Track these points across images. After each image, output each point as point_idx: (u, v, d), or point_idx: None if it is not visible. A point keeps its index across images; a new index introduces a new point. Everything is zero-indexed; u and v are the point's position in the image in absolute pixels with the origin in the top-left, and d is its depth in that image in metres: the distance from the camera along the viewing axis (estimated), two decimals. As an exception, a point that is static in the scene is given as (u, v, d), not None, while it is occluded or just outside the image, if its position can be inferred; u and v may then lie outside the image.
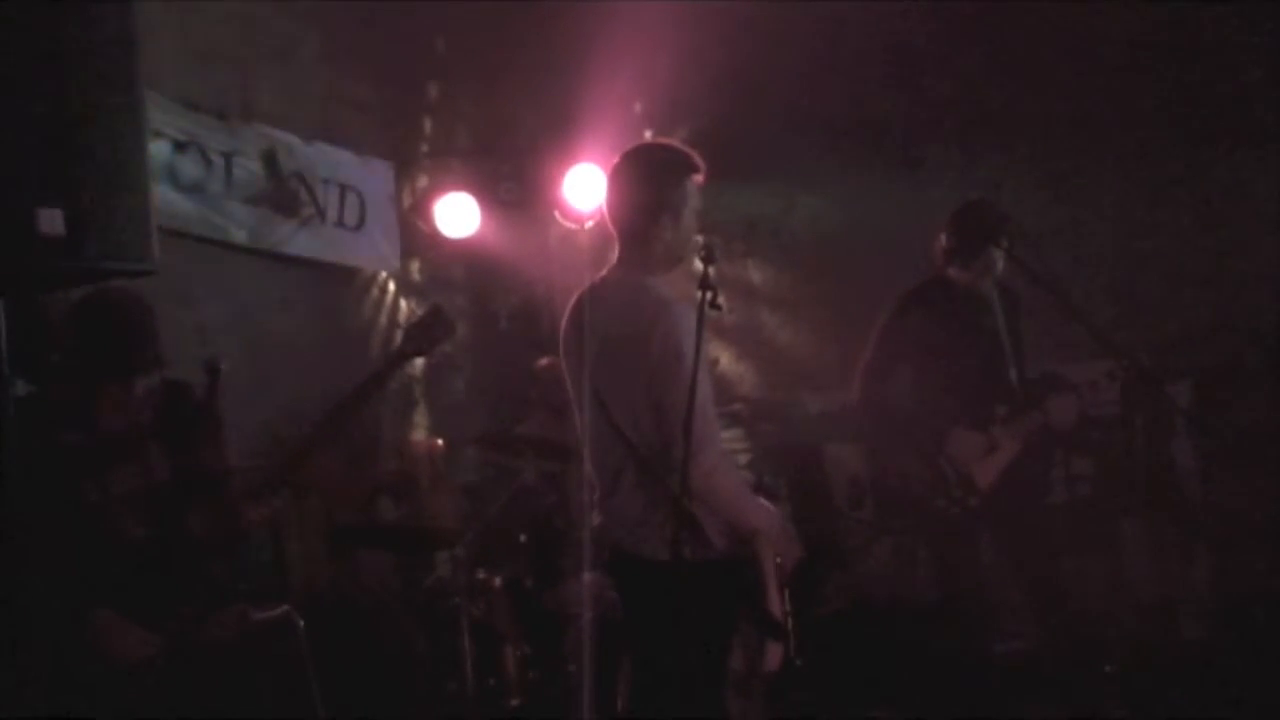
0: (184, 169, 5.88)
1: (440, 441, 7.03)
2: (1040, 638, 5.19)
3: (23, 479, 3.42)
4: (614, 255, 3.82)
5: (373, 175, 7.08)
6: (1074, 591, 5.33)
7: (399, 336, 4.26)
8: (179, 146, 5.85)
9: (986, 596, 5.18)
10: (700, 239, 4.13)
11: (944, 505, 5.03)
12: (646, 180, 3.78)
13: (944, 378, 5.08)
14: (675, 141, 4.05)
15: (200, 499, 3.83)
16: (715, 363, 6.94)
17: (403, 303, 7.34)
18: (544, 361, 6.96)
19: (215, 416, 3.97)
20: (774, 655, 3.82)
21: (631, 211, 3.77)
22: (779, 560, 3.79)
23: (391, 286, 7.30)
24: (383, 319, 7.21)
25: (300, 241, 6.58)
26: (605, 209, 3.83)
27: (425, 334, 3.99)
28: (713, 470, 3.57)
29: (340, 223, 6.84)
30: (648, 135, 7.61)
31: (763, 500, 3.89)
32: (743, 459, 6.46)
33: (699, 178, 3.87)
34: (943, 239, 5.25)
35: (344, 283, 7.03)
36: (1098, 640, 5.37)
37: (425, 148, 7.63)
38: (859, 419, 5.35)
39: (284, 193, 6.47)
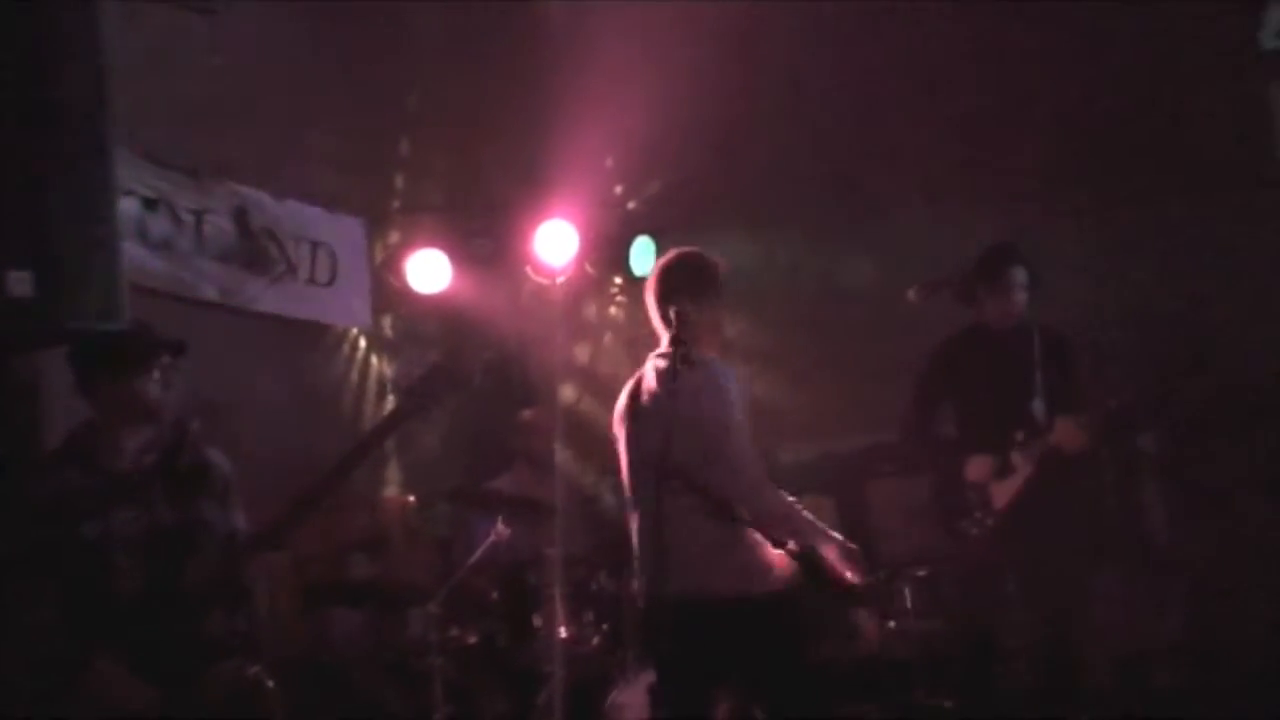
0: (154, 227, 5.87)
1: (412, 498, 7.01)
2: (1037, 673, 5.32)
3: (21, 517, 3.43)
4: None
5: (344, 231, 7.09)
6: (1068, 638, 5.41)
7: (400, 392, 4.27)
8: (149, 204, 5.84)
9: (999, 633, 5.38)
10: (672, 294, 4.21)
11: (965, 525, 5.35)
12: None
13: (968, 410, 5.51)
14: None
15: (201, 551, 3.83)
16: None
17: (374, 359, 7.33)
18: (527, 414, 6.95)
19: (221, 472, 4.01)
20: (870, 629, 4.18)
21: None
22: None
23: (363, 343, 7.30)
24: (354, 375, 7.20)
25: (271, 298, 6.57)
26: None
27: (428, 390, 4.00)
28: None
29: (312, 279, 6.83)
30: (618, 191, 7.67)
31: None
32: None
33: None
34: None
35: (316, 339, 7.02)
36: (1073, 687, 5.38)
37: (397, 204, 7.64)
38: (904, 455, 5.89)
39: (255, 250, 6.46)
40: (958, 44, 6.75)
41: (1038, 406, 5.36)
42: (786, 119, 7.14)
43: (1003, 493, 5.32)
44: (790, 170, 7.18)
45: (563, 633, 5.61)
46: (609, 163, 7.56)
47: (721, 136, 7.16)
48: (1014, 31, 6.60)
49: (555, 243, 7.16)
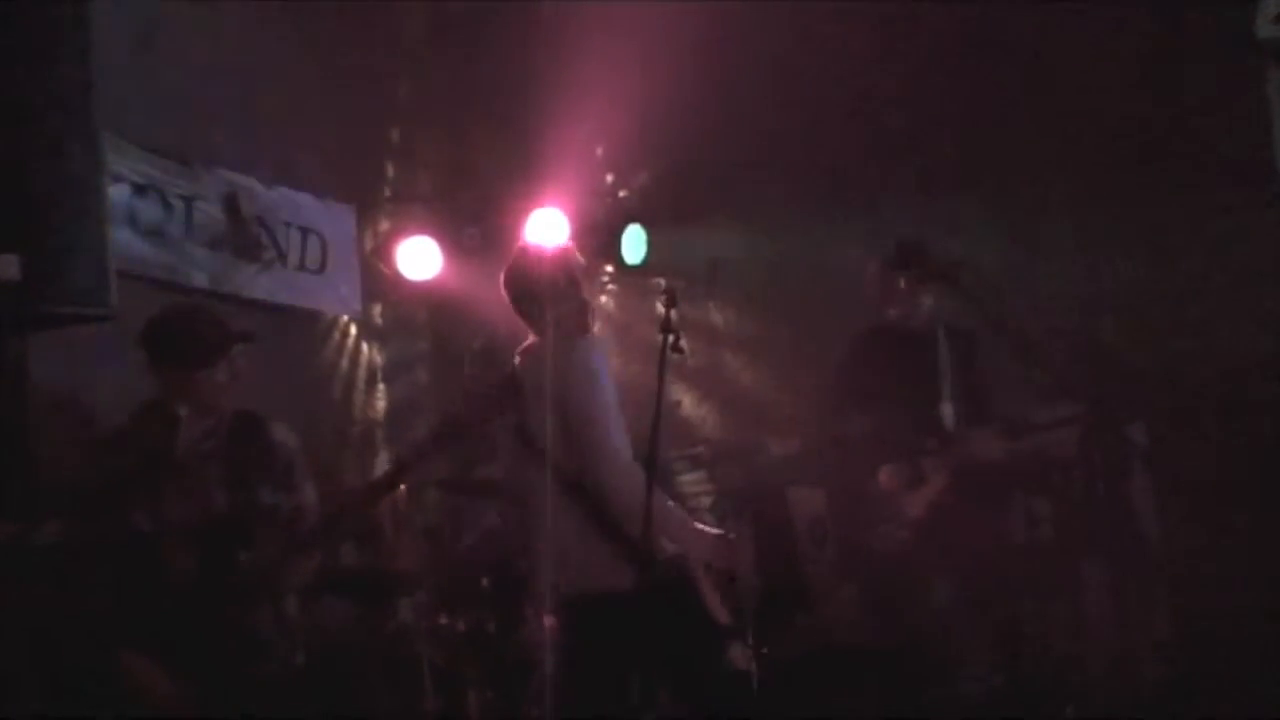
0: (144, 213, 5.87)
1: (402, 485, 7.00)
2: (999, 679, 5.23)
3: (74, 504, 3.43)
4: None
5: (334, 219, 7.08)
6: (1035, 634, 5.36)
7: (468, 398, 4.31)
8: (139, 190, 5.84)
9: (944, 637, 5.23)
10: (662, 282, 4.21)
11: (872, 539, 5.22)
12: None
13: (878, 416, 5.26)
14: None
15: (255, 539, 3.85)
16: (678, 405, 6.93)
17: (364, 347, 7.33)
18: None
19: (284, 450, 4.04)
20: (738, 657, 4.02)
21: None
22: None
23: (353, 330, 7.29)
24: (344, 363, 7.20)
25: (262, 285, 6.57)
26: None
27: (495, 396, 4.04)
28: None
29: (302, 266, 6.83)
30: (609, 180, 7.66)
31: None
32: (705, 501, 6.45)
33: None
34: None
35: (306, 326, 7.01)
36: (1059, 683, 5.38)
37: (387, 192, 7.63)
38: (821, 462, 5.44)
39: (245, 236, 6.46)
40: (949, 36, 6.74)
41: (946, 411, 5.27)
42: (777, 109, 7.13)
43: (915, 503, 5.18)
44: (781, 160, 7.17)
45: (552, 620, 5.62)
46: (599, 151, 7.55)
47: (712, 126, 7.15)
48: (1006, 23, 6.59)
49: (546, 231, 7.15)
